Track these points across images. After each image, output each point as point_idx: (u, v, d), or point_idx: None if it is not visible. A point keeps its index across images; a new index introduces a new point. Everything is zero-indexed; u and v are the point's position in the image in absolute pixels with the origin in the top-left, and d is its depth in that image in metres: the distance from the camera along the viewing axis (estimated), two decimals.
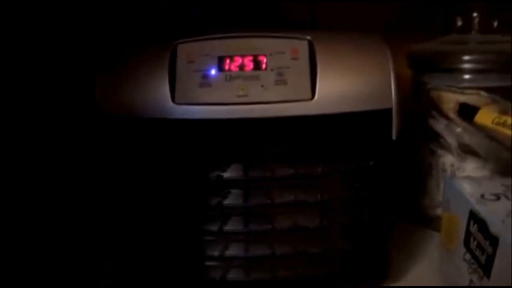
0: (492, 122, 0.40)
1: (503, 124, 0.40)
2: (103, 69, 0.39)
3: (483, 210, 0.36)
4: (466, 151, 0.49)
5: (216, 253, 0.40)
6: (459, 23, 0.51)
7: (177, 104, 0.37)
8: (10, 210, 0.43)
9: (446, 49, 0.50)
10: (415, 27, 0.58)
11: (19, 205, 0.44)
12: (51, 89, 0.46)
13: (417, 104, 0.53)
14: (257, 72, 0.37)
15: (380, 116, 0.38)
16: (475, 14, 0.50)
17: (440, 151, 0.51)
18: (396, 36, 0.41)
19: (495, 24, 0.50)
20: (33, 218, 0.45)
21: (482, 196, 0.38)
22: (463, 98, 0.47)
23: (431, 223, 0.53)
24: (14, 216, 0.43)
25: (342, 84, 0.37)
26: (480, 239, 0.36)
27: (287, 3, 0.50)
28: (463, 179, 0.43)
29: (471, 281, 0.37)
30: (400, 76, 0.39)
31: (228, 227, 0.40)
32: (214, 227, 0.40)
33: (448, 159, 0.51)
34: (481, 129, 0.44)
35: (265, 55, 0.37)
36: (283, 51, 0.37)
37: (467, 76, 0.48)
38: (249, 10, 0.46)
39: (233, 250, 0.40)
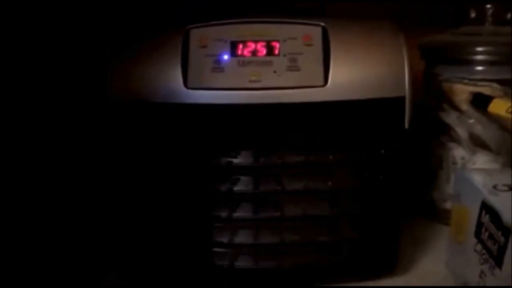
0: (507, 111, 0.40)
1: None
2: (115, 55, 0.39)
3: (495, 201, 0.36)
4: (477, 144, 0.49)
5: (225, 240, 0.40)
6: (473, 14, 0.50)
7: (190, 89, 0.37)
8: (15, 201, 0.43)
9: (459, 40, 0.50)
10: (428, 19, 0.57)
11: (25, 195, 0.44)
12: (63, 77, 0.46)
13: (428, 97, 0.53)
14: (270, 58, 0.37)
15: (393, 104, 0.37)
16: (488, 6, 0.49)
17: (450, 144, 0.51)
18: (408, 27, 0.40)
19: (509, 15, 0.49)
20: (38, 210, 0.45)
21: (495, 187, 0.38)
22: (475, 90, 0.47)
23: (440, 216, 0.53)
24: (19, 207, 0.43)
25: (356, 71, 0.37)
26: (492, 229, 0.35)
27: (299, 2, 0.50)
28: (474, 170, 0.43)
29: (482, 272, 0.37)
30: (411, 68, 0.38)
31: (237, 214, 0.40)
32: (223, 214, 0.40)
33: (458, 152, 0.50)
34: (494, 119, 0.43)
35: (278, 41, 0.37)
36: (296, 37, 0.37)
37: (479, 68, 0.48)
38: (261, 4, 0.46)
39: (242, 237, 0.40)
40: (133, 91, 0.38)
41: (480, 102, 0.44)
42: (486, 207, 0.37)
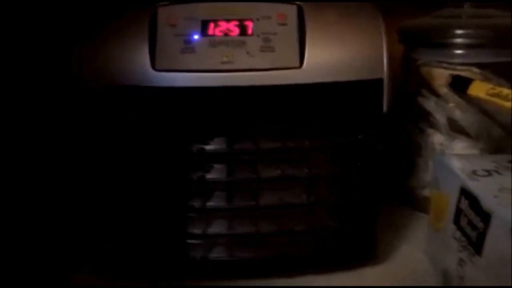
0: (487, 93, 0.39)
1: (498, 95, 0.38)
2: (79, 36, 0.37)
3: (474, 186, 0.35)
4: (456, 129, 0.48)
5: (198, 231, 0.39)
6: None
7: (158, 71, 0.35)
8: None
9: (438, 23, 0.49)
10: (407, 2, 0.56)
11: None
12: (24, 59, 0.43)
13: (407, 82, 0.52)
14: (243, 38, 0.35)
15: (371, 87, 0.36)
16: None
17: (429, 130, 0.50)
18: (387, 12, 0.39)
19: None
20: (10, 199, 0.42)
21: (474, 172, 0.37)
22: (454, 74, 0.46)
23: (419, 204, 0.52)
24: None
25: (332, 52, 0.35)
26: (471, 215, 0.35)
27: None
28: (453, 155, 0.42)
29: (460, 259, 0.36)
30: (390, 50, 0.37)
31: (211, 203, 0.38)
32: (196, 203, 0.38)
33: (437, 138, 0.49)
34: (474, 102, 0.43)
35: (252, 20, 0.35)
36: (270, 15, 0.35)
37: (459, 52, 0.47)
38: None
39: (216, 228, 0.39)
40: (99, 74, 0.35)
41: (459, 84, 0.43)
42: (465, 192, 0.36)
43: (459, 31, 0.46)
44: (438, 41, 0.48)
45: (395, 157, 0.54)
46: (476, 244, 0.34)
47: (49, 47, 0.45)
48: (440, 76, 0.47)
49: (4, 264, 0.39)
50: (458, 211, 0.37)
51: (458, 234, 0.37)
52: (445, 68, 0.47)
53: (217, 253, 0.40)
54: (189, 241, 0.39)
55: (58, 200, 0.46)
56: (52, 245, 0.44)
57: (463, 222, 0.36)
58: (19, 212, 0.43)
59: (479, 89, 0.40)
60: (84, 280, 0.41)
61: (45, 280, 0.41)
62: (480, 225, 0.33)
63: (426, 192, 0.50)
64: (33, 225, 0.44)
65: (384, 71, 0.36)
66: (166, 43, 0.35)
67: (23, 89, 0.44)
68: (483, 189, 0.34)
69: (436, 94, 0.48)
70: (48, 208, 0.45)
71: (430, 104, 0.49)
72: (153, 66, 0.35)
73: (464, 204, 0.36)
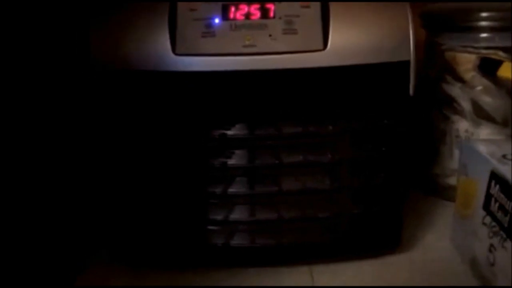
0: None
1: None
2: (97, 20, 0.36)
3: (506, 170, 0.34)
4: (481, 116, 0.47)
5: (219, 217, 0.38)
6: None
7: (178, 55, 0.34)
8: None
9: (462, 7, 0.47)
10: None
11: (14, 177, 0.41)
12: (43, 45, 0.43)
13: (430, 68, 0.51)
14: (265, 21, 0.34)
15: (397, 69, 0.35)
16: None
17: (454, 117, 0.49)
18: None
19: None
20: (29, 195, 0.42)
21: (504, 156, 0.36)
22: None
23: (443, 192, 0.51)
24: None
25: (357, 34, 0.34)
26: (503, 200, 0.34)
27: None
28: (481, 141, 0.41)
29: (491, 245, 0.35)
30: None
31: (232, 189, 0.38)
32: (217, 190, 0.38)
33: (462, 125, 0.48)
34: (503, 85, 0.41)
35: (273, 3, 0.35)
36: None
37: (484, 35, 0.45)
38: None
39: (238, 214, 0.38)
40: (118, 58, 0.35)
41: (488, 67, 0.42)
42: (495, 177, 0.35)
43: (484, 14, 0.45)
44: (463, 25, 0.46)
45: (419, 144, 0.53)
46: (508, 229, 0.33)
47: (68, 32, 0.44)
48: (466, 61, 0.46)
49: (15, 262, 0.39)
50: (488, 197, 0.36)
51: (488, 219, 0.36)
52: (470, 52, 0.46)
53: (239, 240, 0.39)
54: (210, 227, 0.39)
55: (81, 189, 0.46)
56: (73, 233, 0.44)
57: (494, 207, 0.35)
58: (34, 207, 0.43)
59: (509, 71, 0.39)
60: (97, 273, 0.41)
61: (57, 275, 0.41)
62: None
63: (450, 180, 0.49)
64: (47, 217, 0.44)
65: (411, 53, 0.35)
66: (187, 27, 0.34)
67: (42, 74, 0.44)
68: None
69: (461, 80, 0.47)
70: (65, 198, 0.45)
71: (454, 90, 0.48)
72: (174, 50, 0.34)
73: (495, 189, 0.35)
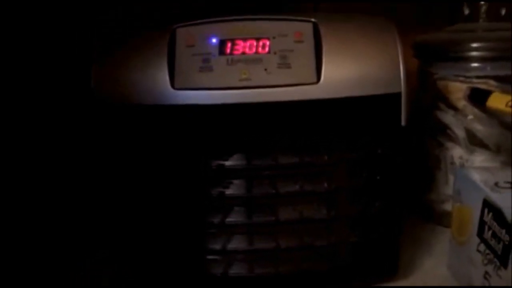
0: (506, 105, 0.39)
1: None
2: (99, 55, 0.38)
3: (498, 198, 0.35)
4: (475, 142, 0.48)
5: (217, 247, 0.39)
6: (467, 11, 0.50)
7: (177, 89, 0.35)
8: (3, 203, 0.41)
9: (454, 37, 0.49)
10: (421, 18, 0.56)
11: (12, 197, 0.42)
12: (45, 77, 0.44)
13: (423, 96, 0.52)
14: (260, 56, 0.36)
15: (389, 101, 0.36)
16: (482, 2, 0.49)
17: (448, 144, 0.50)
18: (401, 26, 0.39)
19: (503, 11, 0.49)
20: (25, 211, 0.43)
21: (496, 184, 0.36)
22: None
23: (439, 218, 0.51)
24: (8, 210, 0.41)
25: (349, 67, 0.36)
26: (496, 228, 0.34)
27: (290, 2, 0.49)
28: (475, 168, 0.42)
29: (486, 272, 0.35)
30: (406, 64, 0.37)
31: (230, 219, 0.38)
32: (215, 219, 0.38)
33: (456, 152, 0.49)
34: (493, 114, 0.42)
35: (268, 38, 0.36)
36: (287, 33, 0.36)
37: (475, 65, 0.47)
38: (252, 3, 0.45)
39: (236, 243, 0.39)
40: (118, 92, 0.36)
41: (478, 97, 0.43)
42: (488, 205, 0.35)
43: (475, 45, 0.46)
44: (454, 55, 0.48)
45: (414, 171, 0.53)
46: (501, 257, 0.33)
47: (69, 65, 0.46)
48: (457, 89, 0.47)
49: (13, 265, 0.39)
50: (482, 224, 0.36)
51: (482, 247, 0.36)
52: (462, 81, 0.47)
53: (237, 269, 0.39)
54: (208, 257, 0.39)
55: (79, 216, 0.46)
56: (75, 259, 0.45)
57: (487, 235, 0.35)
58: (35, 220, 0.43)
59: (498, 101, 0.40)
60: None
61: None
62: (505, 237, 0.33)
63: (446, 206, 0.50)
64: (58, 241, 0.44)
65: (402, 85, 0.36)
66: (185, 63, 0.36)
67: (43, 105, 0.45)
68: (506, 201, 0.34)
69: (454, 108, 0.48)
70: (71, 223, 0.46)
71: (448, 117, 0.49)
72: (172, 85, 0.35)
73: (488, 216, 0.35)
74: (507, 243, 0.32)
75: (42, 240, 0.43)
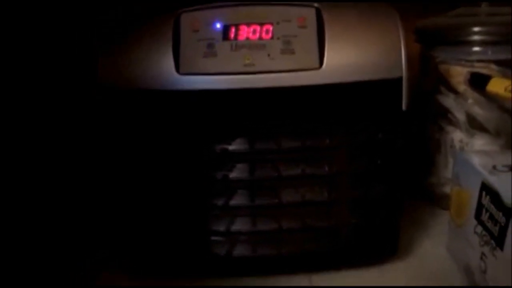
0: (506, 90, 0.39)
1: None
2: (104, 41, 0.38)
3: (495, 181, 0.35)
4: (475, 126, 0.48)
5: (221, 228, 0.40)
6: None
7: (182, 74, 0.36)
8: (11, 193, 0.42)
9: (456, 22, 0.49)
10: (423, 2, 0.56)
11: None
12: (51, 63, 0.45)
13: (425, 80, 0.52)
14: (264, 41, 0.36)
15: (390, 86, 0.37)
16: None
17: (448, 128, 0.50)
18: (403, 11, 0.40)
19: None
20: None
21: (494, 167, 0.37)
22: (473, 71, 0.46)
23: (439, 200, 0.52)
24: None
25: (351, 52, 0.36)
26: (493, 210, 0.35)
27: None
28: (473, 152, 0.42)
29: (482, 253, 0.36)
30: (408, 49, 0.38)
31: (233, 202, 0.39)
32: (219, 202, 0.39)
33: (456, 135, 0.50)
34: (493, 98, 0.43)
35: (272, 24, 0.36)
36: (290, 19, 0.36)
37: (476, 49, 0.47)
38: None
39: (239, 225, 0.40)
40: (125, 78, 0.37)
41: (478, 81, 0.44)
42: (486, 188, 0.36)
43: (476, 29, 0.47)
44: (456, 39, 0.48)
45: (415, 154, 0.54)
46: (497, 238, 0.34)
47: (74, 50, 0.46)
48: (459, 73, 0.48)
49: (32, 263, 0.40)
50: (480, 207, 0.37)
51: (479, 229, 0.37)
52: (463, 65, 0.47)
53: (240, 250, 0.41)
54: (213, 238, 0.41)
55: (84, 201, 0.47)
56: (77, 243, 0.46)
57: (485, 217, 0.36)
58: (48, 214, 0.44)
59: (498, 86, 0.41)
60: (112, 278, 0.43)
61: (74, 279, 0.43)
62: (502, 219, 0.34)
63: (446, 189, 0.51)
64: (60, 225, 0.45)
65: (403, 70, 0.36)
66: (189, 48, 0.36)
67: (51, 91, 0.46)
68: (504, 184, 0.35)
69: (455, 92, 0.49)
70: (75, 209, 0.47)
71: (449, 101, 0.49)
72: (178, 70, 0.36)
73: (486, 199, 0.36)
74: (503, 225, 0.33)
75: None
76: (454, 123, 0.50)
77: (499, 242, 0.34)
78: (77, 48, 0.46)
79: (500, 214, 0.34)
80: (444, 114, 0.50)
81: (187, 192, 0.39)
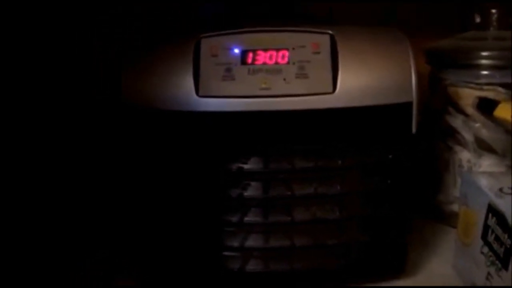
0: None
1: None
2: (128, 62, 0.40)
3: (501, 203, 0.37)
4: (483, 147, 0.50)
5: (235, 244, 0.41)
6: (478, 19, 0.51)
7: (201, 97, 0.38)
8: (23, 205, 0.43)
9: (465, 45, 0.50)
10: (433, 25, 0.58)
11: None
12: (78, 82, 0.46)
13: (434, 100, 0.54)
14: (280, 66, 0.38)
15: (401, 110, 0.38)
16: (493, 11, 0.50)
17: (456, 147, 0.52)
18: (414, 33, 0.41)
19: None
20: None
21: (501, 189, 0.38)
22: (481, 94, 0.47)
23: (447, 219, 0.53)
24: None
25: (363, 77, 0.38)
26: (499, 232, 0.36)
27: (306, 2, 0.51)
28: (481, 173, 0.44)
29: (488, 273, 0.37)
30: (418, 73, 0.39)
31: (248, 218, 0.41)
32: (234, 218, 0.41)
33: (464, 155, 0.51)
34: (500, 123, 0.44)
35: (287, 49, 0.38)
36: (304, 45, 0.38)
37: (484, 72, 0.48)
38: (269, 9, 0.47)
39: (253, 241, 0.41)
40: (146, 98, 0.39)
41: (486, 106, 0.45)
42: (492, 210, 0.37)
43: (485, 53, 0.48)
44: (465, 63, 0.49)
45: (424, 173, 0.55)
46: (503, 260, 0.35)
47: (100, 70, 0.48)
48: (467, 95, 0.49)
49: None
50: (486, 227, 0.38)
51: (486, 249, 0.38)
52: (471, 88, 0.49)
53: (253, 265, 0.42)
54: (227, 253, 0.42)
55: (102, 217, 0.49)
56: (92, 258, 0.47)
57: (491, 238, 0.37)
58: (65, 218, 0.45)
59: (505, 111, 0.42)
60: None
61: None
62: (507, 241, 0.35)
63: (453, 207, 0.52)
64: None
65: (413, 95, 0.38)
66: (209, 71, 0.38)
67: (75, 109, 0.47)
68: (509, 206, 0.36)
69: (463, 113, 0.50)
70: (93, 224, 0.48)
71: (457, 122, 0.51)
72: (197, 92, 0.38)
73: (492, 221, 0.37)
74: (508, 246, 0.35)
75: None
76: (462, 143, 0.51)
77: (505, 263, 0.35)
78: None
79: (506, 236, 0.35)
80: (453, 134, 0.51)
81: (204, 208, 0.41)
